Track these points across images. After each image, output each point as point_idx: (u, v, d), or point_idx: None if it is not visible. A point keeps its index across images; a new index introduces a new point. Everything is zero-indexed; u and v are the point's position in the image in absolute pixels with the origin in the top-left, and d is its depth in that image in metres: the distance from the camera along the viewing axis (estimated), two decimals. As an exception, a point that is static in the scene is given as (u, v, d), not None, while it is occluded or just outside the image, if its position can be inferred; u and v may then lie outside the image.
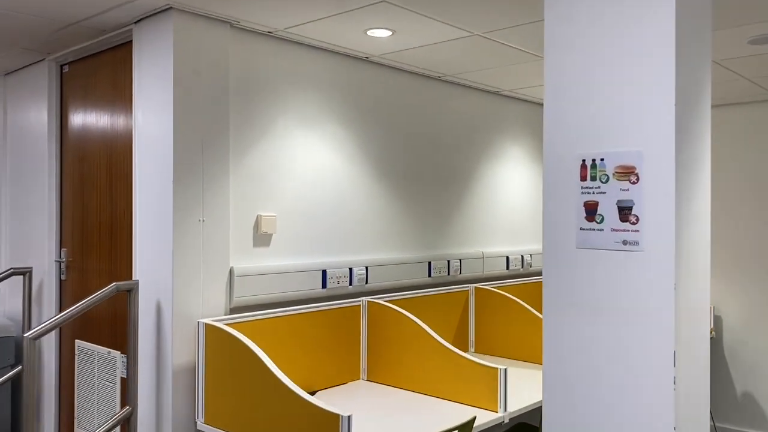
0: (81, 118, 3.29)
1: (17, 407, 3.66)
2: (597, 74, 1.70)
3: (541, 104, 4.71)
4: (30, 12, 2.70)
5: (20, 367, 3.30)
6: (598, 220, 1.70)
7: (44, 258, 3.46)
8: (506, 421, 2.62)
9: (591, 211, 1.72)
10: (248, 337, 2.67)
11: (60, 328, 3.38)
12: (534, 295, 4.27)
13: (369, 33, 2.98)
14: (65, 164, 3.42)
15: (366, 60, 3.46)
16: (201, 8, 2.64)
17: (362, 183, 3.45)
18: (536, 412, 3.00)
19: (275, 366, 2.33)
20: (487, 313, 3.71)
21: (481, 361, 2.69)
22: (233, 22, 2.81)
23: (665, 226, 1.57)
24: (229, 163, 2.81)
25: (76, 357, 3.23)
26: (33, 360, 2.27)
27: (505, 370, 2.61)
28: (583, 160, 1.73)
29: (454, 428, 2.22)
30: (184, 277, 2.64)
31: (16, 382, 3.66)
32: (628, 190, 1.65)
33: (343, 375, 3.06)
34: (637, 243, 1.62)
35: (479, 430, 2.48)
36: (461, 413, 2.61)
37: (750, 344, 4.57)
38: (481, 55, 3.36)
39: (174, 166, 2.62)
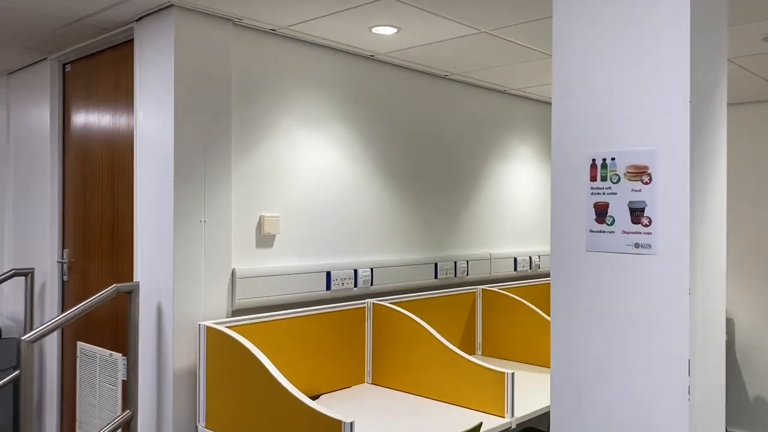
0: (83, 118, 3.26)
1: (20, 409, 3.63)
2: (608, 70, 1.64)
3: (550, 103, 4.64)
4: (31, 9, 2.66)
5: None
6: (609, 222, 1.64)
7: (46, 259, 3.43)
8: (513, 426, 2.57)
9: (601, 212, 1.66)
10: (251, 340, 2.63)
11: (62, 330, 3.35)
12: (542, 296, 4.20)
13: (374, 30, 2.93)
14: (68, 164, 3.39)
15: (371, 58, 3.40)
16: (203, 5, 2.60)
17: (367, 183, 3.39)
18: (544, 417, 2.94)
19: (276, 370, 2.29)
20: (495, 316, 3.65)
21: (488, 365, 2.64)
22: (236, 20, 2.77)
23: (679, 229, 1.50)
24: (231, 163, 2.77)
25: (77, 359, 3.20)
26: (30, 363, 2.23)
27: (512, 374, 2.56)
28: (593, 160, 1.67)
29: (460, 435, 2.16)
30: (185, 279, 2.60)
31: (18, 384, 3.63)
32: (640, 190, 1.58)
33: (348, 378, 3.02)
34: (649, 246, 1.56)
35: (486, 436, 2.42)
36: (467, 418, 2.56)
37: (763, 347, 4.49)
38: (489, 53, 3.30)
39: (175, 166, 2.58)
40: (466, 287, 3.72)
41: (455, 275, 3.83)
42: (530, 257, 4.40)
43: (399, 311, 2.98)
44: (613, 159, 1.64)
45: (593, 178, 1.67)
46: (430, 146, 3.76)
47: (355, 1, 2.54)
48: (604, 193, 1.65)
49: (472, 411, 2.66)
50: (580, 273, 1.67)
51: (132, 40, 2.86)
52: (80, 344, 3.18)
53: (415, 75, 3.65)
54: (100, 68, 3.13)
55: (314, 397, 2.83)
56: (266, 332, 2.70)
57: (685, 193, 1.50)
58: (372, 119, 3.42)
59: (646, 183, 1.57)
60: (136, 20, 2.78)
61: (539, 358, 3.43)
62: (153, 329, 2.66)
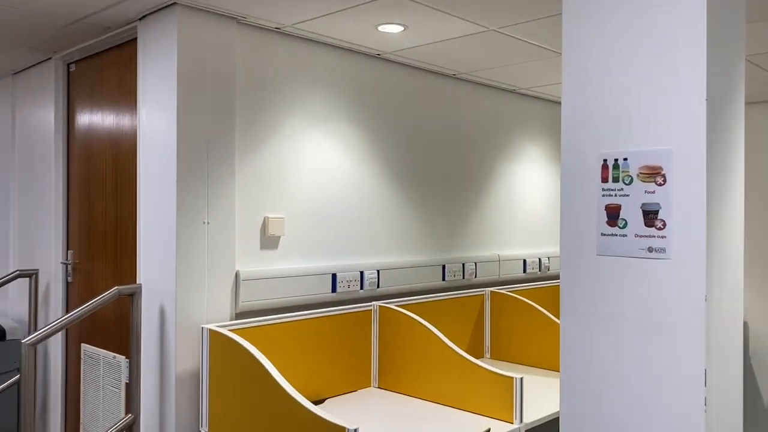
0: (87, 118, 3.23)
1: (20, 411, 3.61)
2: (620, 68, 1.58)
3: (560, 102, 4.57)
4: (33, 8, 2.63)
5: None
6: (621, 225, 1.58)
7: (51, 260, 3.41)
8: (522, 433, 2.51)
9: (613, 215, 1.60)
10: (254, 343, 2.59)
11: (66, 332, 3.32)
12: (552, 299, 4.14)
13: (380, 28, 2.88)
14: (72, 164, 3.36)
15: (377, 57, 3.35)
16: (206, 3, 2.56)
17: (374, 184, 3.35)
18: (554, 423, 2.88)
19: (279, 374, 2.25)
20: (504, 318, 3.60)
21: (497, 370, 2.59)
22: (240, 18, 2.73)
23: (695, 232, 1.44)
24: (235, 164, 2.73)
25: (82, 361, 3.17)
26: (30, 366, 2.20)
27: (521, 379, 2.50)
28: (605, 160, 1.61)
29: (467, 443, 2.11)
30: (188, 281, 2.56)
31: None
32: (654, 192, 1.52)
33: (354, 382, 2.97)
34: (663, 250, 1.49)
35: (493, 443, 2.37)
36: (475, 424, 2.51)
37: (778, 352, 4.39)
38: (498, 52, 3.25)
39: (177, 167, 2.54)
40: (474, 289, 3.66)
41: (463, 277, 3.77)
42: (540, 259, 4.33)
43: (406, 314, 2.93)
44: (625, 159, 1.58)
45: (605, 179, 1.61)
46: (437, 146, 3.70)
47: (361, -2, 2.50)
48: (616, 195, 1.59)
49: (480, 416, 2.61)
50: (591, 278, 1.61)
51: (136, 39, 2.83)
52: (84, 346, 3.15)
53: (422, 74, 3.60)
54: (104, 68, 3.10)
55: (319, 401, 2.79)
56: (270, 335, 2.66)
57: (701, 195, 1.44)
58: (378, 119, 3.37)
59: (660, 184, 1.51)
60: (140, 19, 2.74)
61: (549, 362, 3.37)
62: (156, 332, 2.63)
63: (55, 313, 3.39)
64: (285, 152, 2.95)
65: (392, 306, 3.01)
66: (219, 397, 2.47)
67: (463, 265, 3.78)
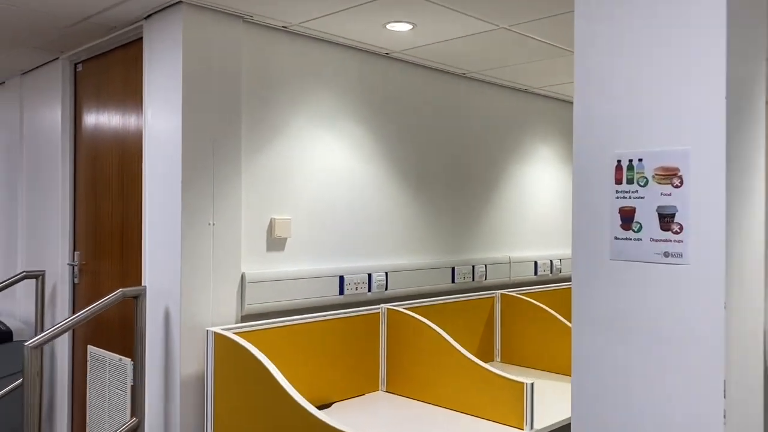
0: (94, 118, 3.21)
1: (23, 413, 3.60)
2: (634, 65, 1.52)
3: (572, 102, 4.51)
4: (35, 8, 2.61)
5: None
6: (636, 229, 1.52)
7: (57, 261, 3.40)
8: (533, 439, 2.46)
9: (627, 218, 1.54)
10: (260, 346, 2.55)
11: (73, 333, 3.31)
12: (564, 302, 4.07)
13: (388, 27, 2.84)
14: (79, 165, 3.35)
15: (385, 56, 3.31)
16: (212, 2, 2.52)
17: (382, 184, 3.30)
18: (566, 429, 2.82)
19: (284, 379, 2.20)
20: (514, 321, 3.54)
21: (507, 375, 2.53)
22: (246, 17, 2.69)
23: (714, 236, 1.38)
24: (241, 164, 2.69)
25: (88, 363, 3.15)
26: (33, 369, 2.17)
27: (532, 384, 2.45)
28: (619, 161, 1.55)
29: (476, 450, 2.06)
30: (193, 283, 2.53)
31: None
32: (670, 194, 1.46)
33: (361, 386, 2.92)
34: (680, 255, 1.44)
35: (503, 450, 2.32)
36: (485, 430, 2.46)
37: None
38: (508, 50, 3.19)
39: (183, 167, 2.51)
40: (484, 292, 3.60)
41: (473, 279, 3.72)
42: (551, 261, 4.27)
43: (414, 317, 2.88)
44: (640, 160, 1.52)
45: (618, 181, 1.56)
46: (447, 146, 3.65)
47: (368, -5, 2.46)
48: (630, 198, 1.54)
49: (490, 422, 2.56)
50: (604, 283, 1.55)
51: (141, 38, 2.80)
52: (91, 348, 3.13)
53: (431, 73, 3.55)
54: (111, 67, 3.08)
55: (326, 406, 2.75)
56: (276, 338, 2.62)
57: (720, 197, 1.38)
58: (387, 119, 3.33)
59: (677, 186, 1.45)
60: (145, 18, 2.72)
61: (560, 366, 3.31)
62: (161, 334, 2.59)
63: (61, 314, 3.37)
64: (291, 152, 2.92)
65: (401, 309, 2.96)
66: (224, 400, 2.43)
67: (473, 267, 3.72)
